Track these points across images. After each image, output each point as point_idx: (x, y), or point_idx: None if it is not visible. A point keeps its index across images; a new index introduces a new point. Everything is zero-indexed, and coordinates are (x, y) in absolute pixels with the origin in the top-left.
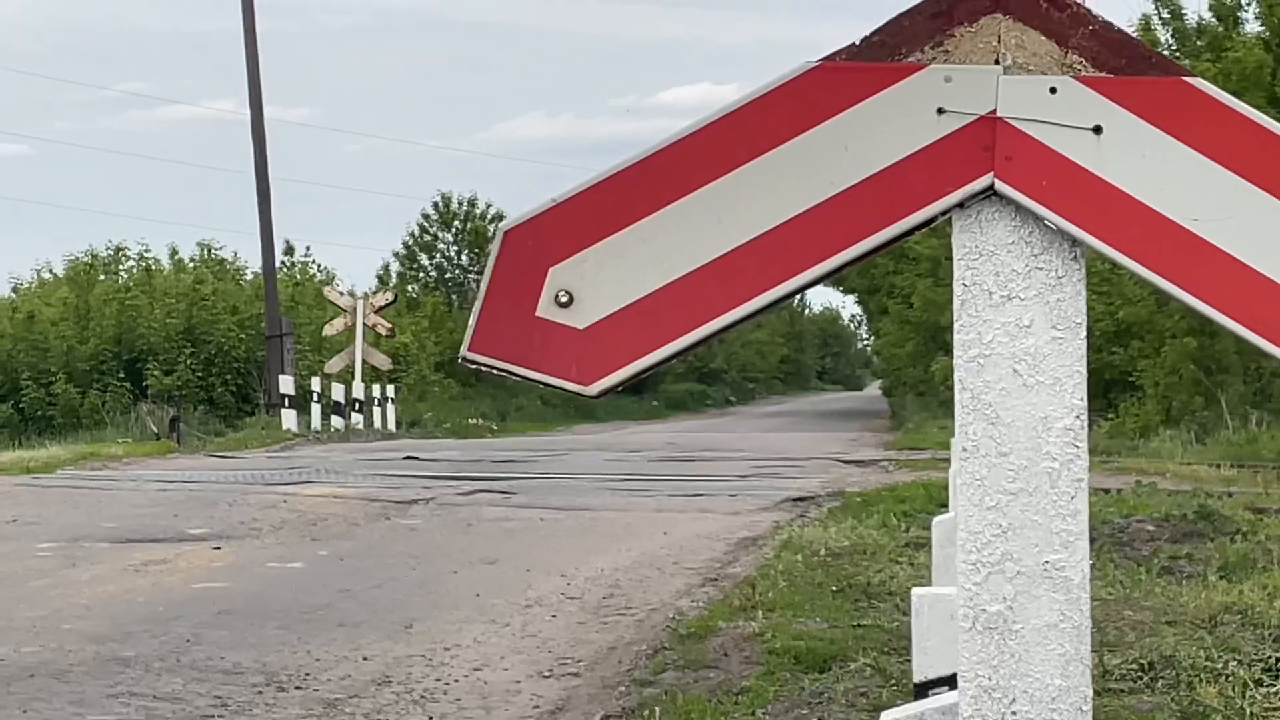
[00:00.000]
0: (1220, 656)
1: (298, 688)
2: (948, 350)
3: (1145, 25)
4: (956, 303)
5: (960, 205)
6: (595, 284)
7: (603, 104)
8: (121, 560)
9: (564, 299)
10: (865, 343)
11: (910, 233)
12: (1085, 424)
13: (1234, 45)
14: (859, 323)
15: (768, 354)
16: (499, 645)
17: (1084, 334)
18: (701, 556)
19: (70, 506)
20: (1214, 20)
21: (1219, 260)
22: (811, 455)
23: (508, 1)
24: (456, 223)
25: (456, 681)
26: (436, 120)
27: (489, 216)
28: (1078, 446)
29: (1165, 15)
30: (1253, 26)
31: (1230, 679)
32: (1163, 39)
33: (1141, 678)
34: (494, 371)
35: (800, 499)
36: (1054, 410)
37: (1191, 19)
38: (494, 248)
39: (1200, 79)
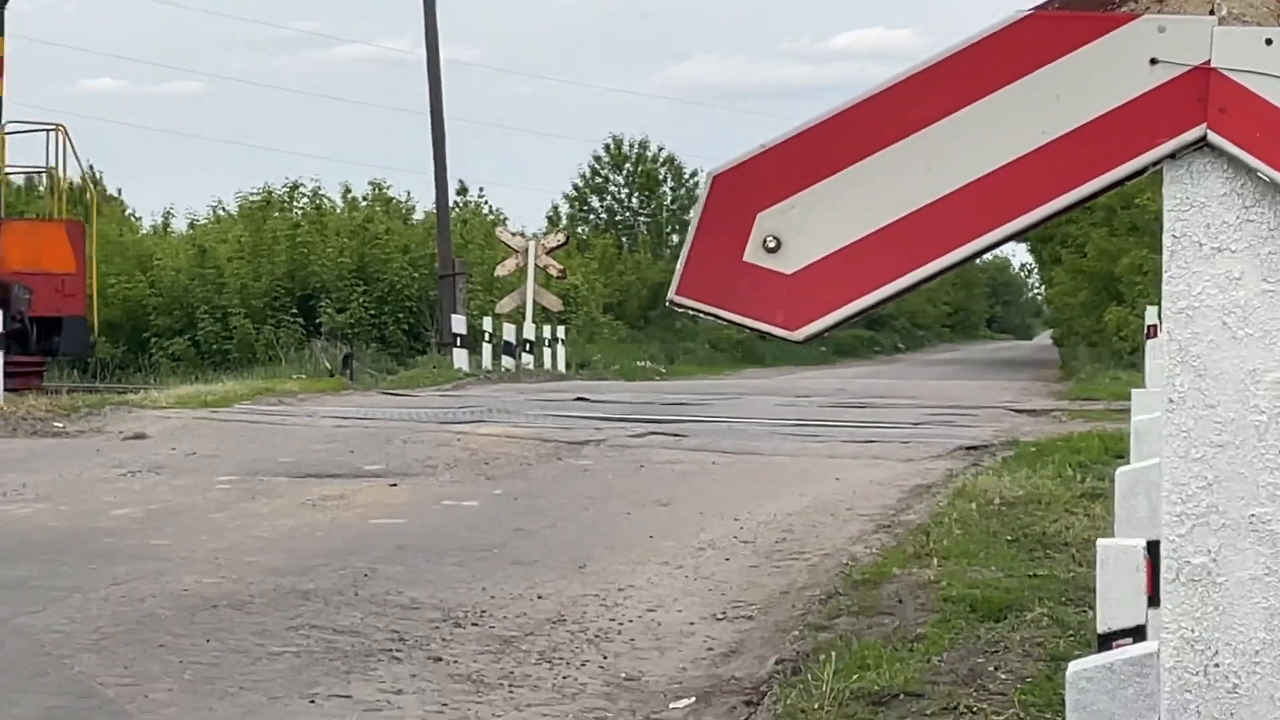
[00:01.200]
0: None
1: (474, 624)
2: (1121, 300)
3: None
4: (1166, 254)
5: (1172, 156)
6: (803, 230)
7: (775, 47)
8: (299, 495)
9: (772, 244)
10: (1035, 291)
11: (1120, 183)
12: None
13: None
14: (1029, 271)
15: (937, 301)
16: (672, 587)
17: None
18: (874, 503)
19: (247, 441)
20: None
21: None
22: (983, 404)
23: None
24: (628, 165)
25: (630, 622)
26: (609, 63)
27: (660, 159)
28: None
29: None
30: None
31: None
32: None
33: None
34: (701, 315)
35: (973, 447)
36: (1263, 363)
37: None
38: (702, 192)
39: None
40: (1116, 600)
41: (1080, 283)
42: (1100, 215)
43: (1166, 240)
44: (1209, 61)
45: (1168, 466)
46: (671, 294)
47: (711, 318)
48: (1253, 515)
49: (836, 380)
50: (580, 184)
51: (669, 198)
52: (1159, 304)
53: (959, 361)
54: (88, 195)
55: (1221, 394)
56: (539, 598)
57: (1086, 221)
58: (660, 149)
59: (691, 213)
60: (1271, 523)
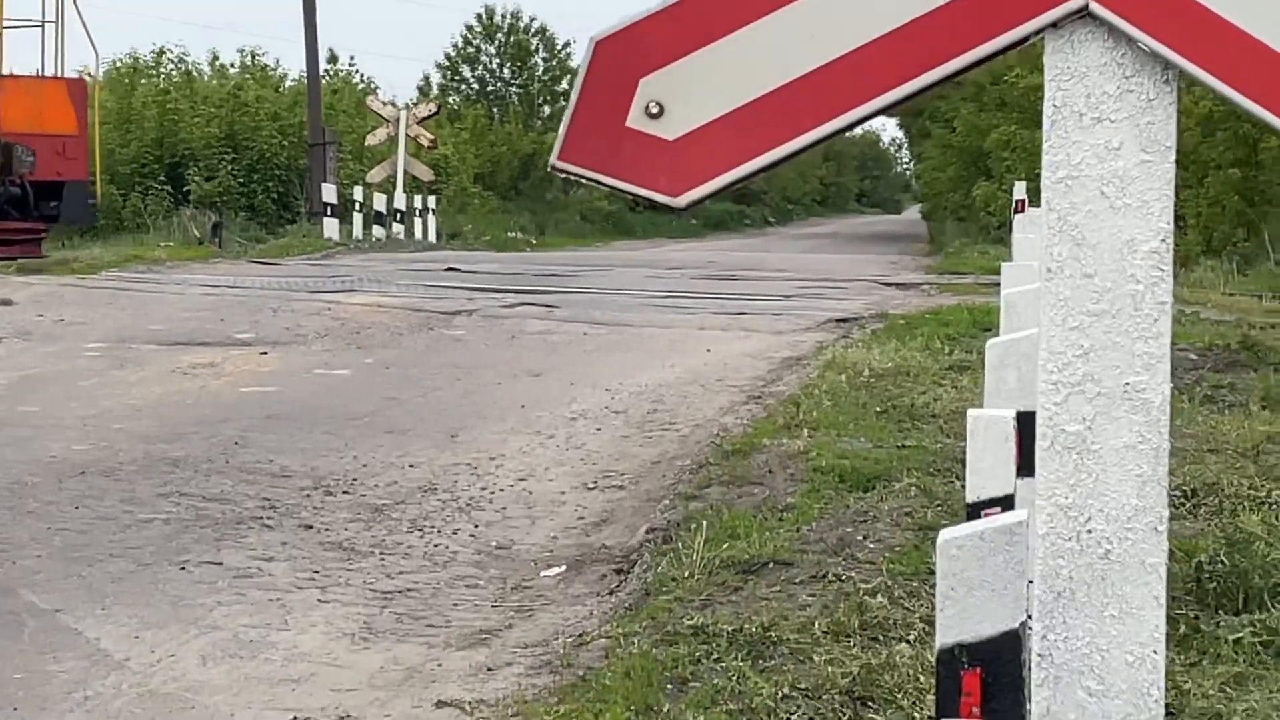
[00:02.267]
0: (1263, 485)
1: (345, 492)
2: (989, 176)
3: None
4: (1046, 124)
5: (1054, 25)
6: (686, 95)
7: None
8: (169, 363)
9: (654, 110)
10: (905, 166)
11: (1003, 51)
12: (1170, 247)
13: None
14: (899, 146)
15: (807, 176)
16: (543, 456)
17: (1173, 158)
18: (745, 374)
19: (116, 309)
20: None
21: None
22: (853, 277)
23: None
24: (500, 35)
25: (501, 491)
26: None
27: (532, 30)
28: (1162, 270)
29: None
30: None
31: (1273, 507)
32: None
33: (1184, 504)
34: (583, 181)
35: (843, 320)
36: (1140, 233)
37: None
38: (584, 58)
39: None
40: (986, 470)
41: (949, 158)
42: (969, 91)
43: (1047, 110)
44: None
45: (1044, 335)
46: (553, 159)
47: (594, 183)
48: (1127, 384)
49: (707, 253)
50: (452, 54)
51: (540, 69)
52: (1026, 179)
53: (829, 235)
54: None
55: (1099, 263)
56: (410, 466)
57: (956, 97)
58: (533, 19)
59: (574, 79)
60: (1146, 391)
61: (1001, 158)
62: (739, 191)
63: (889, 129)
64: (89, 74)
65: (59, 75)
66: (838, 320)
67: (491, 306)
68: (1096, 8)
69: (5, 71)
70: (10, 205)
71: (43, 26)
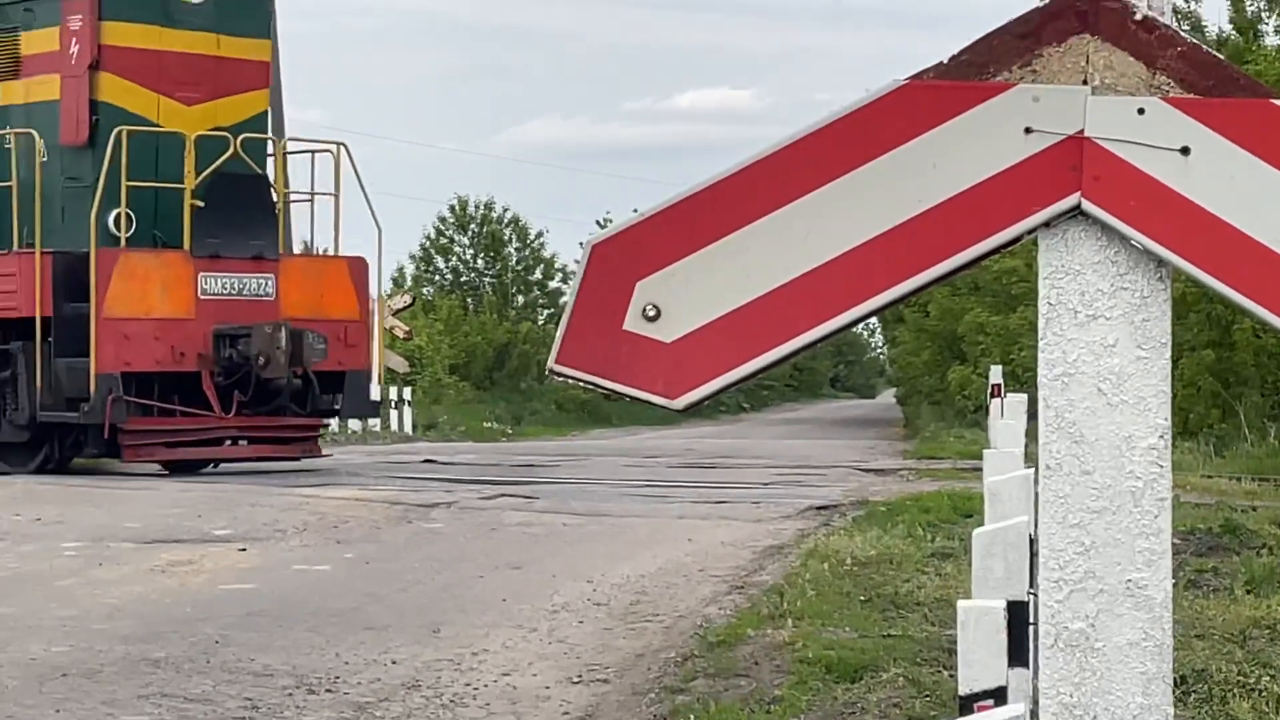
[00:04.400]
0: (1252, 671)
1: (328, 690)
2: (963, 359)
3: None
4: (1041, 321)
5: (1047, 224)
6: (682, 299)
7: (617, 107)
8: (147, 561)
9: (651, 313)
10: (879, 351)
11: (997, 250)
12: (1169, 443)
13: (1255, 58)
14: (873, 330)
15: None
16: (526, 650)
17: (1168, 354)
18: (727, 564)
19: (92, 506)
20: (1234, 33)
21: None
22: (830, 463)
23: (522, 5)
24: (473, 226)
25: (485, 686)
26: (453, 124)
27: (505, 220)
28: (1161, 465)
29: (1186, 28)
30: (1272, 40)
31: (1263, 694)
32: None
33: (1174, 692)
34: (581, 384)
35: (823, 507)
36: (1138, 429)
37: (1212, 31)
38: (582, 262)
39: None
40: (978, 662)
41: (923, 342)
42: None
43: (1041, 307)
44: (1083, 131)
45: (1044, 532)
46: (551, 363)
47: (591, 387)
48: (1129, 580)
49: (683, 440)
50: (426, 244)
51: (514, 258)
52: (1001, 363)
53: (804, 420)
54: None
55: (1098, 460)
56: (393, 663)
57: None
58: (505, 209)
59: (570, 282)
60: (1148, 588)
61: (976, 341)
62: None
63: None
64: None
65: (338, 253)
66: (818, 508)
67: (470, 498)
68: (1089, 206)
69: (285, 250)
70: (292, 398)
71: (312, 200)
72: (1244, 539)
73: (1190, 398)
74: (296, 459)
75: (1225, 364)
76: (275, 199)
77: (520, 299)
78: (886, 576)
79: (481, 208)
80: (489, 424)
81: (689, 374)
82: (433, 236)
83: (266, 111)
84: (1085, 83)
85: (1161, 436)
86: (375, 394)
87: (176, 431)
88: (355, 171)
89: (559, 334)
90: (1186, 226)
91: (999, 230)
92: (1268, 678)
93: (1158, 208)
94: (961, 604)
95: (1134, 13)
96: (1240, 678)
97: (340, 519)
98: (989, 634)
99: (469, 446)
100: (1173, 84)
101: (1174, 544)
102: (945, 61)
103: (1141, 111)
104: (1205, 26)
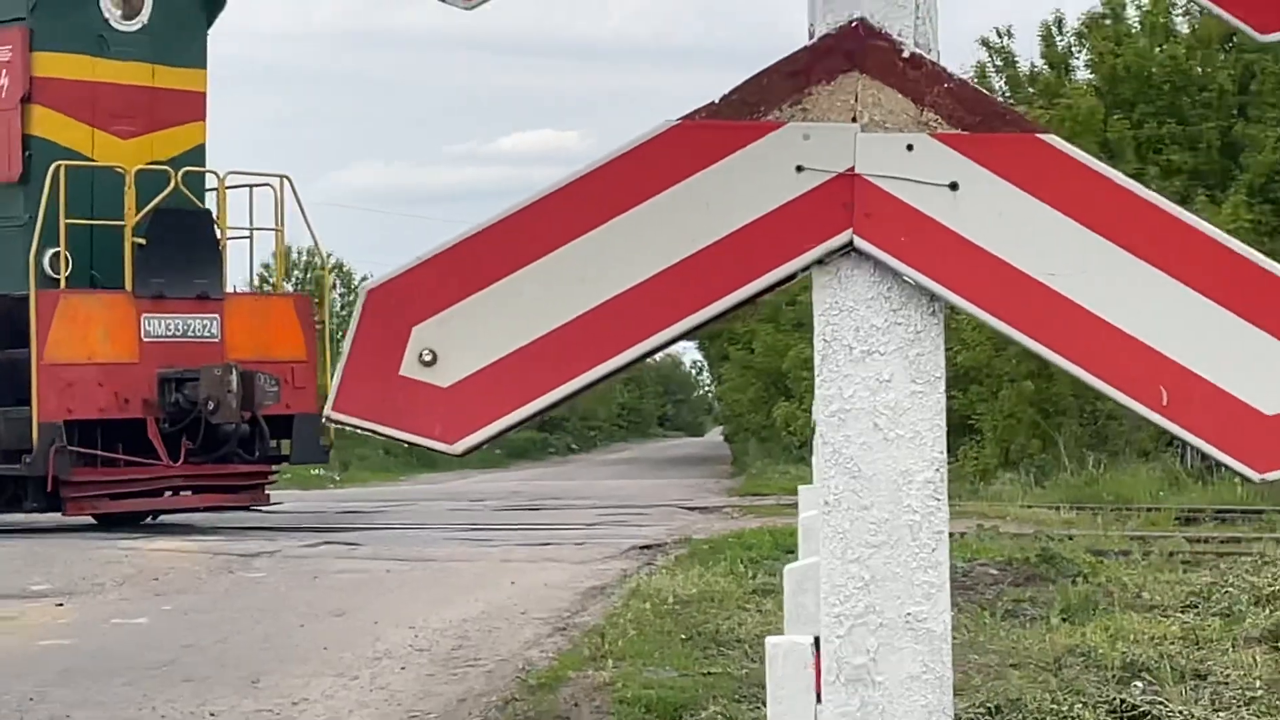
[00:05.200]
0: (1066, 699)
1: None
2: (789, 396)
3: (980, 73)
4: (817, 358)
5: (820, 261)
6: (459, 343)
7: (439, 151)
8: None
9: (428, 358)
10: (707, 389)
11: (771, 289)
12: (945, 477)
13: (1066, 92)
14: (700, 369)
15: (607, 401)
16: (347, 699)
17: (943, 388)
18: (550, 606)
19: None
20: (1046, 68)
21: (1075, 314)
22: (656, 502)
23: (338, 51)
24: (296, 272)
25: None
26: (272, 169)
27: (330, 265)
28: (938, 499)
29: (999, 63)
30: (1083, 74)
31: None
32: (997, 86)
33: None
34: (358, 430)
35: (647, 546)
36: (914, 464)
37: (1024, 66)
38: (357, 308)
39: (1054, 135)
40: (785, 698)
41: (749, 379)
42: (767, 312)
43: (818, 344)
44: (853, 168)
45: (826, 568)
46: (328, 410)
47: (369, 433)
48: (909, 614)
49: (511, 483)
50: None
51: (338, 304)
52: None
53: (632, 460)
54: (317, 261)
55: (876, 495)
56: (211, 715)
57: (753, 318)
58: (329, 254)
59: (347, 328)
60: (927, 621)
61: (800, 377)
62: (540, 421)
63: (689, 352)
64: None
65: (283, 290)
66: (642, 547)
67: (293, 546)
68: (861, 243)
69: (229, 289)
70: (240, 444)
71: (251, 236)
72: (1060, 568)
73: (1011, 429)
74: (246, 508)
75: (1044, 394)
76: (219, 235)
77: (346, 344)
78: (708, 614)
79: (303, 253)
80: (316, 471)
81: (467, 418)
82: (256, 284)
83: (204, 144)
84: (855, 120)
85: (938, 470)
86: (326, 439)
87: (121, 482)
88: (299, 205)
89: (334, 380)
90: (956, 261)
91: (773, 268)
92: (1080, 704)
93: (928, 243)
94: (770, 640)
95: (901, 50)
96: (1054, 705)
97: (161, 571)
98: (796, 669)
99: (295, 494)
100: (941, 120)
101: (992, 574)
102: (716, 101)
103: (910, 148)
104: (1017, 62)
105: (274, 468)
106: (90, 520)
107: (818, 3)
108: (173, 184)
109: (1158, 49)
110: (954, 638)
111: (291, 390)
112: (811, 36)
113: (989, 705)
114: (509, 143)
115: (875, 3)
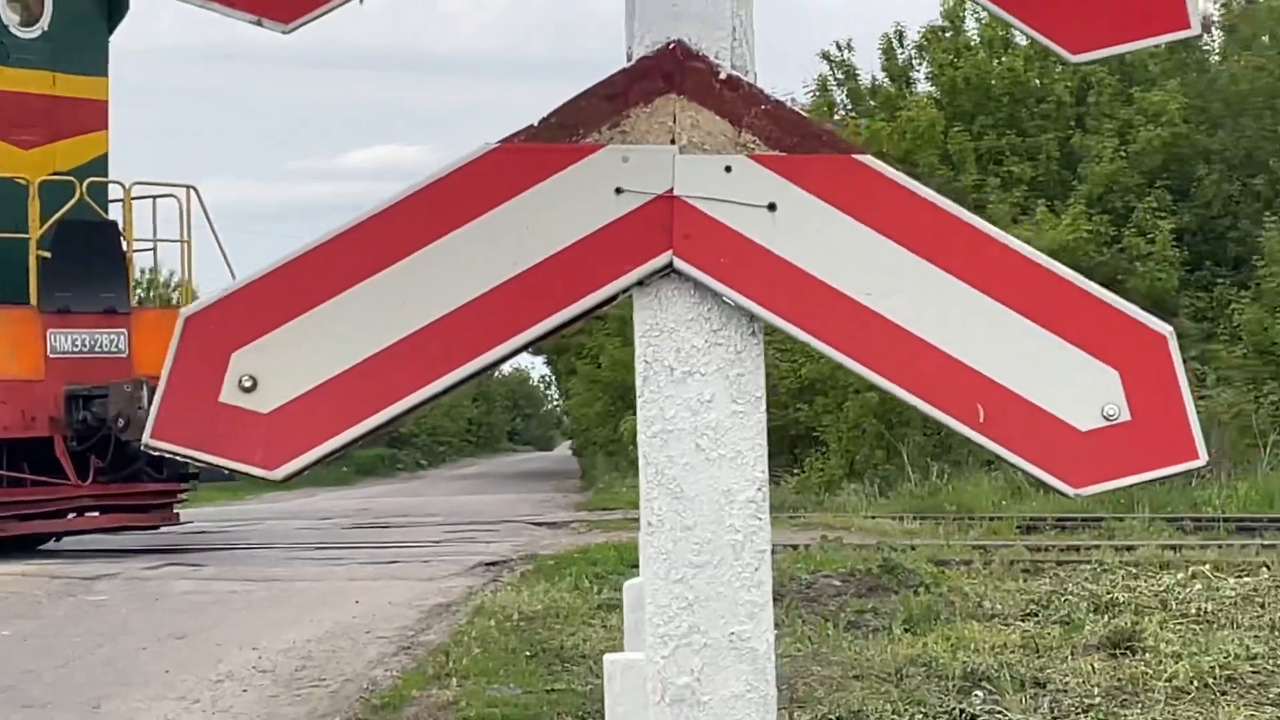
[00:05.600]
0: (906, 709)
1: None
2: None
3: (822, 86)
4: (639, 379)
5: (640, 283)
6: (278, 368)
7: (283, 167)
8: None
9: (247, 384)
10: (555, 403)
11: (593, 310)
12: (767, 496)
13: (907, 105)
14: (549, 383)
15: (456, 416)
16: None
17: (764, 407)
18: (395, 624)
19: None
20: (887, 81)
21: (892, 333)
22: (503, 518)
23: (172, 68)
24: (140, 291)
25: None
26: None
27: (172, 284)
28: (760, 518)
29: (840, 76)
30: (924, 87)
31: None
32: (839, 99)
33: None
34: (178, 458)
35: (493, 563)
36: (737, 483)
37: (865, 80)
38: (175, 334)
39: (871, 156)
40: (624, 715)
41: (596, 393)
42: (614, 325)
43: (639, 366)
44: (672, 190)
45: (650, 589)
46: (146, 438)
47: (189, 460)
48: (733, 633)
49: (359, 500)
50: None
51: None
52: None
53: (481, 475)
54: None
55: (698, 515)
56: None
57: (600, 332)
58: (172, 273)
59: (166, 355)
60: (751, 640)
61: None
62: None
63: (538, 367)
64: None
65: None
66: (488, 564)
67: (135, 568)
68: (681, 264)
69: (135, 303)
70: (149, 463)
71: (155, 247)
72: (902, 578)
73: (855, 440)
74: (155, 528)
75: (888, 405)
76: (125, 247)
77: None
78: (552, 631)
79: (145, 272)
80: None
81: (288, 444)
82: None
83: (107, 154)
84: (674, 142)
85: (760, 489)
86: None
87: (28, 503)
88: (206, 215)
89: (154, 407)
90: (775, 281)
91: (595, 290)
92: (921, 714)
93: (747, 264)
94: (608, 658)
95: (718, 72)
96: (895, 716)
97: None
98: (634, 687)
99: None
100: (759, 142)
101: (835, 585)
102: (535, 124)
103: (729, 169)
104: (859, 75)
105: (183, 486)
106: None
107: (635, 25)
108: (78, 195)
109: (996, 61)
110: (797, 650)
111: None
112: (629, 59)
113: (831, 717)
114: (354, 158)
115: (692, 25)
